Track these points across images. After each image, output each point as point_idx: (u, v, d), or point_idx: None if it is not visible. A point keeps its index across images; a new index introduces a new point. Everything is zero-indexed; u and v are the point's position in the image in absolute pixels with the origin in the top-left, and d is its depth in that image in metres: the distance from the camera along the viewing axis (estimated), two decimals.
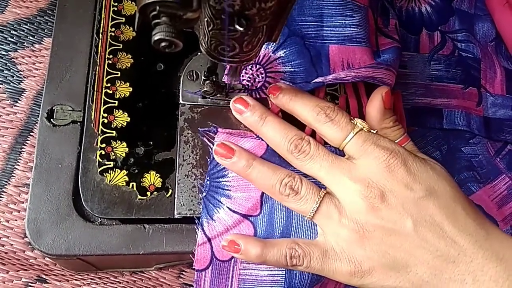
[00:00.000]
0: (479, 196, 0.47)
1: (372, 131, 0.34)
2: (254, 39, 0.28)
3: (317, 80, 0.39)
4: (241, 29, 0.26)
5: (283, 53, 0.40)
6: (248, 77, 0.38)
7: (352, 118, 0.34)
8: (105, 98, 0.36)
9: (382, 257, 0.30)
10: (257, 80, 0.39)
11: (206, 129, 0.37)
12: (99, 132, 0.35)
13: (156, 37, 0.23)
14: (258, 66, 0.39)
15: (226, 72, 0.37)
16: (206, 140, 0.36)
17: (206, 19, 0.27)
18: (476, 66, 0.53)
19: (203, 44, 0.30)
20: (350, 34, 0.41)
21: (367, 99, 0.40)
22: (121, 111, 0.36)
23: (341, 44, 0.41)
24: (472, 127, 0.50)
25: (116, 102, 0.37)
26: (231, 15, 0.26)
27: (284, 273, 0.35)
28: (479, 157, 0.49)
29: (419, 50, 0.53)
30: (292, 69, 0.39)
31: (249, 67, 0.39)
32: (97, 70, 0.37)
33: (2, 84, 0.45)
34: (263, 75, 0.39)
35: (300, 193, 0.32)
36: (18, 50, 0.46)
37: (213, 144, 0.36)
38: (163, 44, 0.23)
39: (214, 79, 0.36)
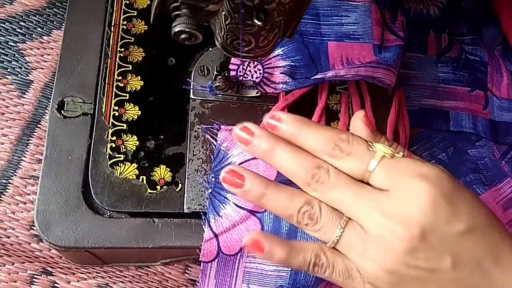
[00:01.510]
0: (484, 199, 0.47)
1: (397, 154, 0.30)
2: (271, 34, 0.28)
3: (317, 76, 0.39)
4: (259, 23, 0.26)
5: (281, 51, 0.40)
6: (246, 73, 0.38)
7: (371, 144, 0.30)
8: (116, 91, 0.36)
9: (408, 287, 0.29)
10: (255, 76, 0.38)
11: (209, 126, 0.37)
12: (110, 125, 0.35)
13: (176, 29, 0.23)
14: (255, 62, 0.39)
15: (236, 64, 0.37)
16: (209, 137, 0.36)
17: (224, 13, 0.27)
18: (483, 70, 0.53)
19: (219, 38, 0.29)
20: (348, 31, 0.41)
21: (369, 95, 0.41)
22: (132, 104, 0.36)
23: (339, 41, 0.41)
24: (479, 129, 0.50)
25: (127, 95, 0.36)
26: (250, 9, 0.26)
27: (289, 269, 0.35)
28: (485, 160, 0.50)
29: (427, 52, 0.53)
30: (292, 63, 0.39)
31: (246, 63, 0.38)
32: (109, 63, 0.37)
33: (10, 75, 0.44)
34: (261, 71, 0.39)
35: (319, 222, 0.29)
36: (26, 42, 0.46)
37: (216, 141, 0.36)
38: (183, 36, 0.23)
39: (226, 75, 0.35)
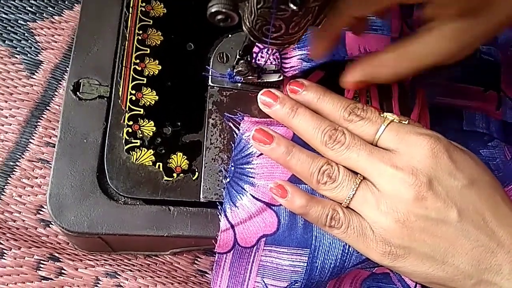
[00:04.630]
0: None
1: (403, 121, 0.33)
2: (303, 20, 0.28)
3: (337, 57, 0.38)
4: (295, 8, 0.25)
5: None
6: (264, 61, 0.37)
7: (381, 112, 0.34)
8: (134, 75, 0.35)
9: (420, 246, 0.30)
10: (273, 63, 0.38)
11: (232, 116, 0.36)
12: (127, 109, 0.34)
13: (213, 9, 0.22)
14: (274, 50, 0.38)
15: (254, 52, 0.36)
16: (232, 125, 0.36)
17: None
18: (496, 70, 0.53)
19: (247, 23, 0.29)
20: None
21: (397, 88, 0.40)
22: (149, 89, 0.35)
23: None
24: (491, 130, 0.50)
25: (145, 79, 0.35)
26: None
27: (305, 264, 0.34)
28: (496, 161, 0.49)
29: None
30: (308, 53, 0.39)
31: (265, 50, 0.38)
32: (126, 45, 0.36)
33: (19, 54, 0.43)
34: (279, 60, 0.38)
35: (337, 180, 0.32)
36: (37, 21, 0.44)
37: (239, 130, 0.35)
38: (219, 17, 0.23)
39: (248, 59, 0.35)
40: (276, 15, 0.27)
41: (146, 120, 0.34)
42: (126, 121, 0.34)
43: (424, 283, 0.33)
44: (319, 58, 0.36)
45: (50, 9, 0.45)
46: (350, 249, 0.34)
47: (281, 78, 0.37)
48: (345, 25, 0.33)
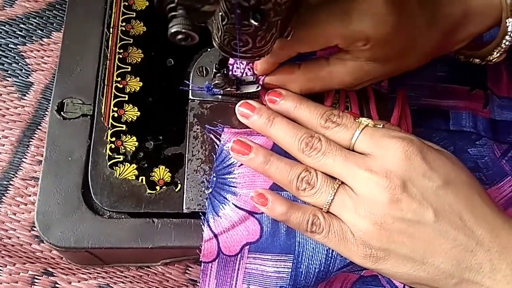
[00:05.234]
0: None
1: (378, 125, 0.34)
2: (268, 34, 0.28)
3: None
4: (256, 23, 0.26)
5: None
6: (240, 71, 0.38)
7: (356, 117, 0.35)
8: (116, 92, 0.36)
9: (399, 248, 0.31)
10: (249, 73, 0.38)
11: (213, 128, 0.37)
12: (109, 126, 0.35)
13: (172, 30, 0.23)
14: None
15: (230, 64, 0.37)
16: (213, 137, 0.37)
17: (220, 14, 0.27)
18: (482, 68, 0.53)
19: (216, 39, 0.30)
20: None
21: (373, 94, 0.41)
22: (131, 105, 0.36)
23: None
24: (479, 128, 0.50)
25: (126, 96, 0.37)
26: (246, 9, 0.26)
27: (290, 270, 0.35)
28: (485, 159, 0.50)
29: None
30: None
31: (239, 61, 0.39)
32: (108, 64, 0.37)
33: (10, 77, 0.45)
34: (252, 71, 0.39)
35: (316, 186, 0.32)
36: (26, 44, 0.46)
37: (220, 141, 0.36)
38: (179, 36, 0.24)
39: (225, 72, 0.36)
40: (241, 31, 0.28)
41: (129, 136, 0.36)
42: (109, 137, 0.35)
43: (408, 283, 0.34)
44: (262, 75, 0.37)
45: (39, 32, 0.47)
46: (334, 253, 0.35)
47: (259, 88, 0.38)
48: (290, 57, 0.35)
